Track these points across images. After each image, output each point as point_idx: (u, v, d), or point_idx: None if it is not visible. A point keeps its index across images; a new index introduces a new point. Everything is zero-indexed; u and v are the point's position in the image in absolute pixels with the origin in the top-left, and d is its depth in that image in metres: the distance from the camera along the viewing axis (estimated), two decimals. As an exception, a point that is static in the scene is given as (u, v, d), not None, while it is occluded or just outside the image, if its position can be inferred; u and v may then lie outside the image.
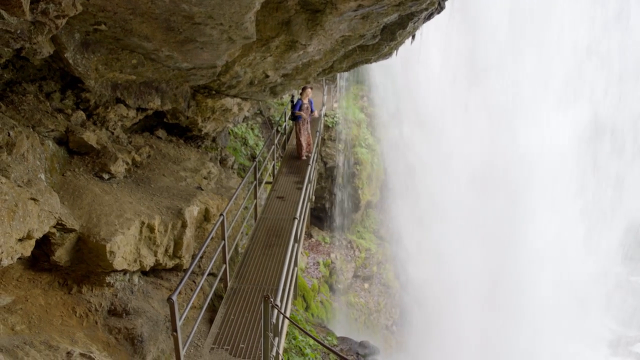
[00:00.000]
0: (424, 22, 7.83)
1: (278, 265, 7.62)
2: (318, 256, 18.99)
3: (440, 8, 7.68)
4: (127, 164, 6.69)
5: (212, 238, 6.11)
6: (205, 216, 6.91)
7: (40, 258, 4.94)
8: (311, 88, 12.21)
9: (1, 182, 3.70)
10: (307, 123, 12.41)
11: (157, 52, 6.36)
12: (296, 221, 6.63)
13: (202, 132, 9.54)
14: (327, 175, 19.13)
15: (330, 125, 18.72)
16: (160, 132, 9.12)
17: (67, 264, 4.97)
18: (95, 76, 6.52)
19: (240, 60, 7.61)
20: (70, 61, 5.90)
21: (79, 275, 5.10)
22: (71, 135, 5.97)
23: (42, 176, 4.75)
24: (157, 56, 6.54)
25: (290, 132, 15.04)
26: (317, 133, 12.67)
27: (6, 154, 4.20)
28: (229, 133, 13.12)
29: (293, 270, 6.63)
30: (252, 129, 16.27)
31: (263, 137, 16.61)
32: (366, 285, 23.14)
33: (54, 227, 4.76)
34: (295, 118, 12.20)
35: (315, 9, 6.40)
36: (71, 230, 4.93)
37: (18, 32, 4.59)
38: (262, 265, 7.66)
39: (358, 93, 23.27)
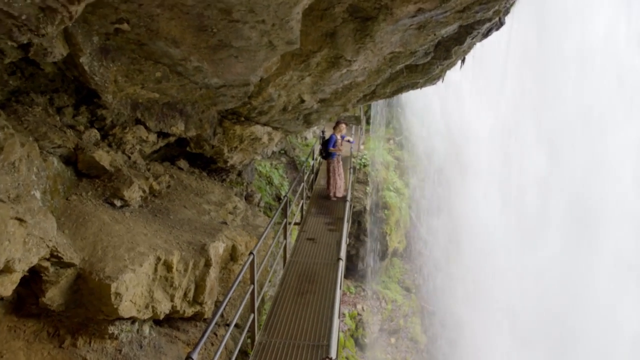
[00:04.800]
0: (481, 39, 6.97)
1: (314, 316, 6.42)
2: (343, 307, 17.51)
3: (500, 24, 6.84)
4: (144, 191, 5.74)
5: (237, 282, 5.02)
6: (232, 255, 5.85)
7: (27, 299, 3.89)
8: (346, 124, 11.35)
9: (-27, 192, 2.73)
10: (340, 161, 11.44)
11: (185, 62, 5.54)
12: (341, 263, 5.51)
13: (228, 164, 8.63)
14: (354, 219, 17.98)
15: (358, 167, 17.78)
16: (182, 163, 8.23)
17: (61, 309, 3.91)
18: (114, 90, 5.71)
19: (275, 80, 6.78)
20: (86, 68, 5.09)
21: (75, 324, 4.02)
22: (80, 153, 5.06)
23: (37, 194, 3.79)
24: (184, 68, 5.73)
25: (318, 172, 14.12)
26: (350, 170, 11.66)
27: (-11, 160, 3.27)
28: (254, 170, 12.23)
29: (338, 322, 5.43)
30: (276, 168, 15.44)
31: (287, 177, 15.72)
32: (392, 340, 21.45)
33: (48, 259, 3.74)
34: (328, 155, 11.23)
35: (366, 17, 5.56)
36: (69, 265, 3.90)
37: (23, 17, 3.77)
38: (295, 316, 6.46)
39: (385, 136, 22.55)
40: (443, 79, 8.44)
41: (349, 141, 11.26)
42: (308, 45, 6.07)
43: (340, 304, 5.46)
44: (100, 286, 3.86)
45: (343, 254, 6.14)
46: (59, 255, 3.79)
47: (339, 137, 10.94)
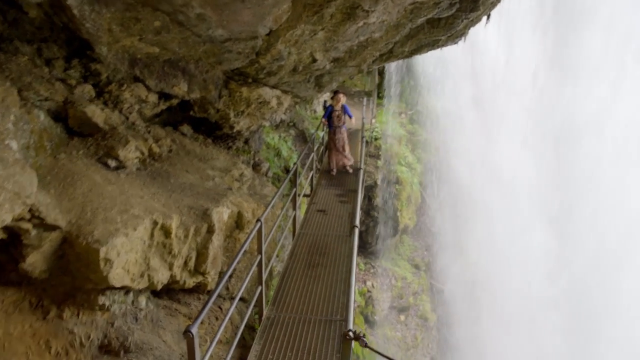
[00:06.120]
0: (513, -9, 6.30)
1: (326, 290, 6.02)
2: (353, 284, 17.17)
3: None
4: (142, 153, 5.26)
5: (243, 252, 4.55)
6: (238, 222, 5.38)
7: (6, 266, 3.45)
8: (344, 94, 10.52)
9: None
10: (341, 133, 10.62)
11: (186, 8, 4.98)
12: (356, 230, 5.03)
13: (234, 130, 8.11)
14: (364, 194, 17.47)
15: (369, 140, 17.19)
16: (185, 128, 7.72)
17: (44, 276, 3.47)
18: (109, 40, 5.18)
19: (285, 35, 6.19)
20: (75, 12, 4.56)
21: (61, 293, 3.59)
22: (71, 108, 4.57)
23: (14, 145, 3.31)
24: (185, 17, 5.17)
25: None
26: (363, 139, 11.07)
27: (-52, 99, 2.78)
28: (262, 140, 11.71)
29: (354, 295, 4.97)
30: (285, 141, 14.91)
31: (296, 150, 15.19)
32: (402, 318, 21.24)
33: (28, 220, 3.27)
34: (328, 127, 10.63)
35: (387, -43, 4.96)
36: (53, 228, 3.44)
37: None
38: (306, 290, 6.05)
39: (396, 110, 21.89)
40: (465, 38, 7.79)
41: (349, 115, 10.39)
42: (322, -8, 5.47)
43: (355, 276, 4.99)
44: (88, 251, 3.41)
45: (358, 221, 5.65)
46: (41, 216, 3.33)
47: (337, 108, 10.16)
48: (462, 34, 7.21)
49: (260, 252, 5.02)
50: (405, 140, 19.84)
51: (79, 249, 3.45)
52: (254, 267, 4.97)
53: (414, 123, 21.46)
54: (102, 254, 3.39)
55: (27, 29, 4.89)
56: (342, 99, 10.15)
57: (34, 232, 3.41)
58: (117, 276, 3.51)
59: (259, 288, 5.14)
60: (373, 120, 19.51)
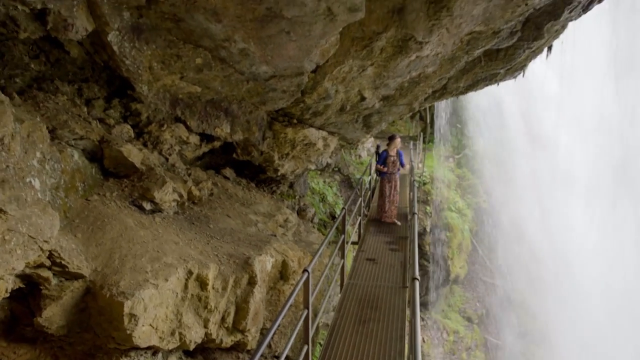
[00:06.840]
0: (580, 14, 5.76)
1: (380, 349, 5.30)
2: (403, 339, 16.01)
3: (605, -6, 5.64)
4: (180, 196, 4.89)
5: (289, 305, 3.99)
6: (282, 272, 4.85)
7: (21, 319, 3.04)
8: (400, 138, 9.75)
9: None
10: (395, 181, 9.79)
11: (229, 43, 4.74)
12: (417, 283, 4.37)
13: (278, 173, 7.73)
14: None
15: (418, 185, 16.49)
16: (228, 172, 7.41)
17: (62, 332, 3.03)
18: (149, 78, 4.98)
19: (332, 72, 5.86)
20: (116, 49, 4.38)
21: (79, 353, 3.12)
22: (106, 147, 4.29)
23: (36, 184, 2.97)
24: (228, 52, 4.93)
25: (375, 189, 12.99)
26: (414, 183, 10.39)
27: (-39, 129, 2.48)
28: (307, 185, 11.31)
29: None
30: (330, 186, 14.48)
31: (342, 196, 14.68)
32: (456, 376, 19.63)
33: (49, 267, 2.88)
34: (379, 173, 9.81)
35: (444, -18, 4.57)
36: (76, 276, 3.04)
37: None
38: (357, 349, 5.34)
39: (444, 154, 21.22)
40: (524, 72, 7.22)
41: (401, 164, 9.47)
42: (371, 25, 5.12)
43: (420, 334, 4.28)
44: (111, 304, 2.96)
45: (417, 272, 4.97)
46: (63, 263, 2.94)
47: (393, 153, 9.38)
48: (522, 66, 6.66)
49: (306, 306, 4.43)
50: (454, 185, 19.00)
51: (102, 301, 3.02)
52: (300, 323, 4.38)
53: (462, 167, 20.67)
54: (126, 309, 2.93)
55: (68, 69, 4.77)
56: (399, 144, 9.32)
57: (54, 281, 3.01)
58: (143, 335, 3.03)
59: (305, 347, 4.51)
60: (420, 165, 18.95)
